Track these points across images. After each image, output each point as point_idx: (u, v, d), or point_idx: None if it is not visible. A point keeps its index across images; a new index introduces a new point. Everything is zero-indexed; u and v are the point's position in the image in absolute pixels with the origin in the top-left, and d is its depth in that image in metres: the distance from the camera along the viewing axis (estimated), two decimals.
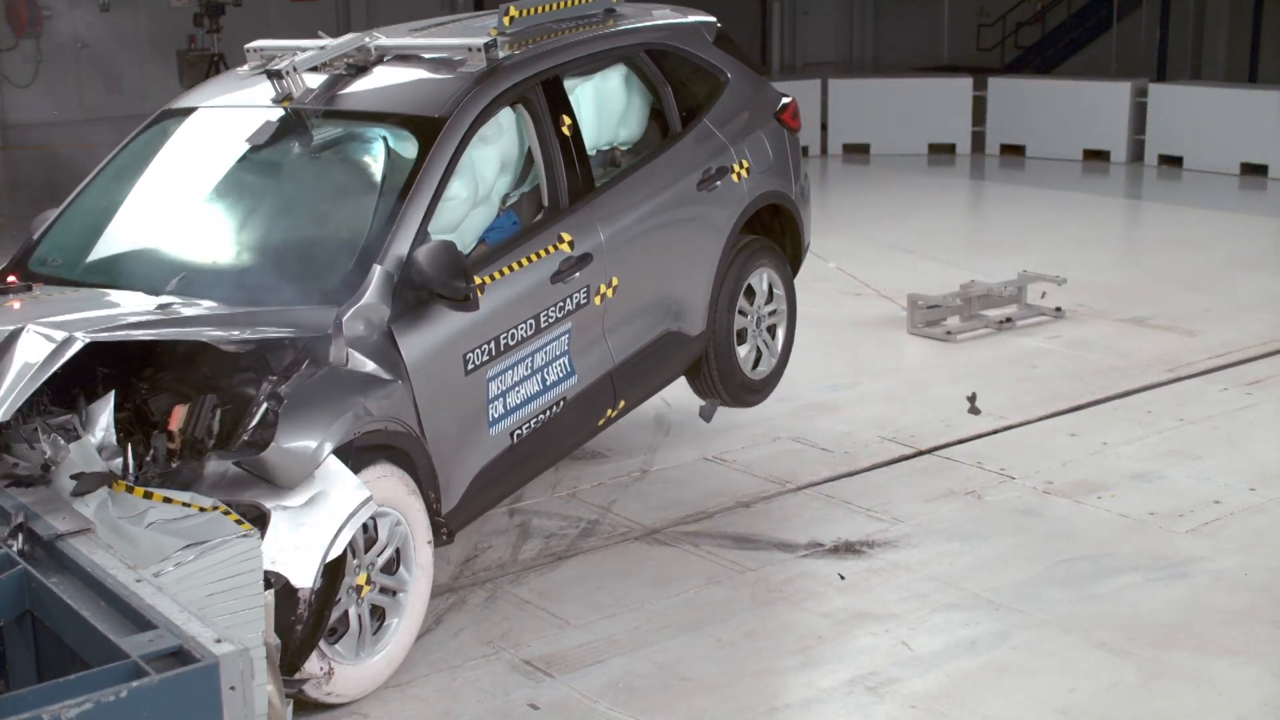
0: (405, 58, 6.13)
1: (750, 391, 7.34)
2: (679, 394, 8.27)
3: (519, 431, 5.72)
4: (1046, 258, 11.30)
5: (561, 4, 6.54)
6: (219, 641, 2.87)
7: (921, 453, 7.36)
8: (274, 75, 5.89)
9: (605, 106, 6.74)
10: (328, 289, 5.20)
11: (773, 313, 7.43)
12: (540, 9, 6.39)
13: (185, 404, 4.75)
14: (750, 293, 7.21)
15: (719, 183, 6.87)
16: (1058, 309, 9.90)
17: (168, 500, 4.01)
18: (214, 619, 3.19)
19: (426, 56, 6.12)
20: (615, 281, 6.18)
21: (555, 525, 6.47)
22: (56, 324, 4.60)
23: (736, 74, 7.34)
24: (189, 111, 6.35)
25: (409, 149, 5.63)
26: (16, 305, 5.19)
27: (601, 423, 6.29)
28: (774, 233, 7.48)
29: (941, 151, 17.65)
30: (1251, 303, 10.24)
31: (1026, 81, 18.83)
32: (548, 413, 5.87)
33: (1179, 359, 8.87)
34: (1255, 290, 10.63)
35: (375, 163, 5.75)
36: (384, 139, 5.76)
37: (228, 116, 6.19)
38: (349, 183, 5.85)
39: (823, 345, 9.38)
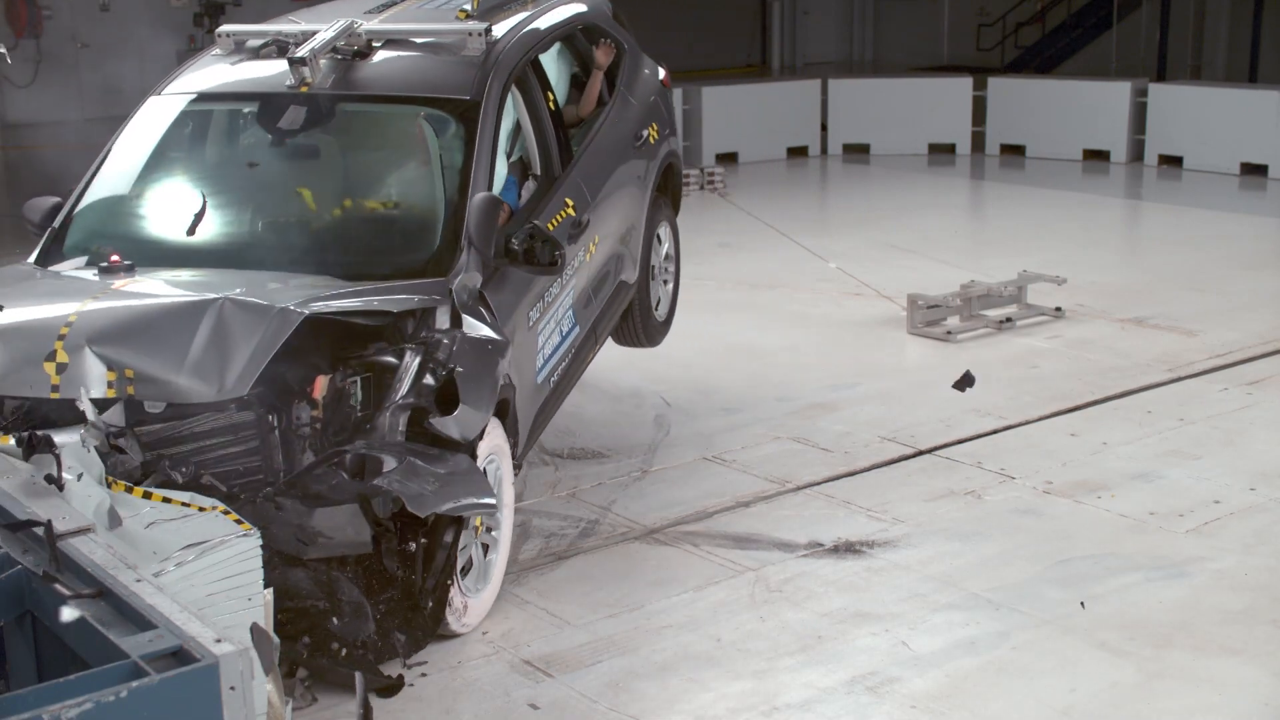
0: (397, 42, 6.38)
1: (660, 331, 8.12)
2: (679, 394, 8.29)
3: (553, 378, 6.34)
4: (1046, 258, 11.31)
5: None
6: (219, 641, 2.86)
7: (921, 453, 7.36)
8: (296, 62, 6.05)
9: (560, 80, 7.31)
10: (425, 261, 5.64)
11: (667, 258, 8.11)
12: None
13: (324, 375, 5.09)
14: (655, 243, 7.88)
15: (644, 146, 7.59)
16: (1058, 309, 9.90)
17: (167, 500, 4.02)
18: (214, 619, 3.18)
19: (423, 41, 6.40)
20: (597, 239, 6.77)
21: (555, 525, 6.47)
22: (257, 296, 5.05)
23: (630, 45, 7.92)
24: (200, 97, 6.43)
25: (449, 129, 6.02)
26: (119, 285, 5.34)
27: (586, 365, 7.01)
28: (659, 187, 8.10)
29: (941, 151, 17.64)
30: (1251, 303, 10.24)
31: (1026, 81, 18.81)
32: (565, 360, 6.50)
33: (1179, 359, 8.87)
34: (1255, 290, 10.63)
35: (424, 143, 6.12)
36: (423, 120, 6.11)
37: (248, 103, 6.32)
38: (405, 162, 6.20)
39: (823, 345, 9.39)
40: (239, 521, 3.92)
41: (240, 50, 6.49)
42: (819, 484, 6.95)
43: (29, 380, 4.88)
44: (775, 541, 6.27)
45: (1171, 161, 16.41)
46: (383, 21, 6.55)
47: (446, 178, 5.92)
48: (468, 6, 6.62)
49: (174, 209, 6.06)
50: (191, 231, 5.89)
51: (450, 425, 5.05)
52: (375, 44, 6.32)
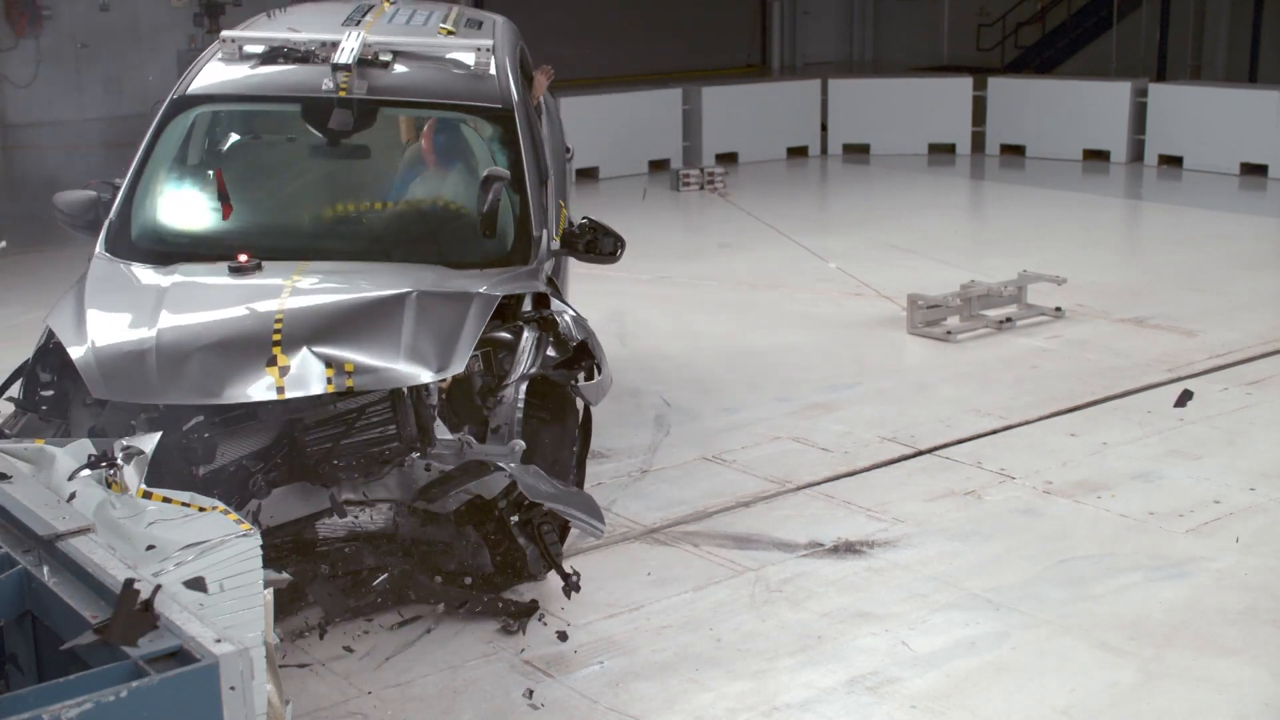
0: (405, 54, 6.60)
1: None
2: (679, 394, 8.29)
3: None
4: (1046, 258, 11.31)
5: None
6: (219, 641, 2.86)
7: (921, 453, 7.36)
8: (340, 68, 6.32)
9: None
10: (510, 251, 6.13)
11: None
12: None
13: None
14: None
15: (570, 156, 8.33)
16: (1058, 309, 9.90)
17: (167, 500, 4.01)
18: (214, 619, 3.18)
19: (432, 54, 6.65)
20: None
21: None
22: (440, 287, 5.60)
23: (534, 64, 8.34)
24: (240, 98, 6.59)
25: (490, 133, 6.53)
26: (295, 281, 5.56)
27: None
28: None
29: (941, 151, 17.64)
30: (1251, 303, 10.24)
31: (1026, 81, 18.80)
32: None
33: (1179, 359, 8.87)
34: (1255, 290, 10.63)
35: (473, 145, 6.55)
36: (465, 126, 6.57)
37: (294, 104, 6.46)
38: (462, 162, 6.57)
39: (823, 345, 9.39)
40: (239, 521, 3.92)
41: (245, 55, 6.54)
42: (819, 484, 6.95)
43: (252, 386, 5.12)
44: (775, 541, 6.27)
45: (1171, 161, 16.41)
46: (370, 32, 6.71)
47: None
48: (448, 24, 7.00)
49: (260, 206, 6.28)
50: (290, 228, 6.19)
51: (592, 391, 5.76)
52: (383, 56, 6.52)
